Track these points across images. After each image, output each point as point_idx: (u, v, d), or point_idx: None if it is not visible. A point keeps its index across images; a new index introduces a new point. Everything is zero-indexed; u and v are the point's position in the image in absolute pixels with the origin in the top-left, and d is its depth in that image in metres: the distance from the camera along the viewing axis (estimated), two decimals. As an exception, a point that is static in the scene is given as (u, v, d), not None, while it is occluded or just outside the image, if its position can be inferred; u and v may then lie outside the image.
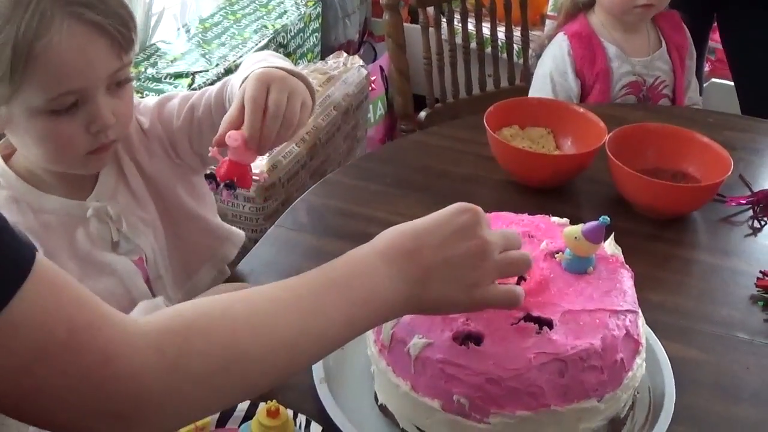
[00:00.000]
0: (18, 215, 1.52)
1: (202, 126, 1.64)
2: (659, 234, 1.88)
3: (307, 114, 1.46)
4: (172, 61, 3.33)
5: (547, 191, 1.98)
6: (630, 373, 1.31)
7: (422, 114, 3.00)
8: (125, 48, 1.45)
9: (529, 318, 1.29)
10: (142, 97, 1.78)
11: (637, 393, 1.39)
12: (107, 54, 1.42)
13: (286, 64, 1.49)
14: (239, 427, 1.31)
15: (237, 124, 1.38)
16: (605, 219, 1.35)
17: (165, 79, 3.21)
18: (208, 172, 1.40)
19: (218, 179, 1.37)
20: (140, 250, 1.63)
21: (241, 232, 1.84)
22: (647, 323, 1.42)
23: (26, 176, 1.55)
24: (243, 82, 1.43)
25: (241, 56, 3.38)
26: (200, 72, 3.23)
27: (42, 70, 1.37)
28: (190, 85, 3.09)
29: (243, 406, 1.35)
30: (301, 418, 1.34)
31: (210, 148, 1.41)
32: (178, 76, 3.21)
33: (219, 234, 1.81)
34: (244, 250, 1.81)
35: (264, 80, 1.39)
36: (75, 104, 1.42)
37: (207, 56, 3.38)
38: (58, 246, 1.54)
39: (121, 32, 1.42)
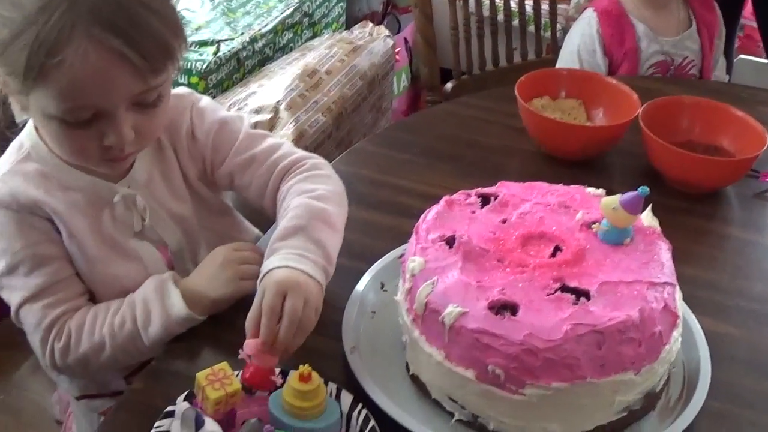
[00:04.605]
0: (45, 194, 1.49)
1: (252, 182, 1.62)
2: (693, 208, 1.86)
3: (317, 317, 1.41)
4: (196, 30, 3.30)
5: (578, 163, 1.96)
6: (667, 347, 1.29)
7: (448, 85, 2.97)
8: (153, 72, 1.37)
9: (565, 289, 1.27)
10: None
11: (673, 367, 1.37)
12: (129, 78, 1.35)
13: (318, 256, 1.43)
14: (269, 395, 1.29)
15: (258, 327, 1.33)
16: (644, 189, 1.33)
17: (190, 47, 3.18)
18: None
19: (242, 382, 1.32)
20: (164, 242, 1.61)
21: (256, 230, 1.83)
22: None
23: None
24: (263, 276, 1.39)
25: (266, 25, 3.35)
26: (225, 40, 3.21)
27: (54, 84, 1.32)
28: (215, 53, 3.06)
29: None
30: (332, 387, 1.32)
31: (240, 351, 1.33)
32: (203, 44, 3.18)
33: (244, 228, 1.80)
34: (271, 222, 1.79)
35: (281, 289, 1.34)
36: (91, 117, 1.37)
37: (232, 25, 3.35)
38: (83, 226, 1.51)
39: (149, 58, 1.35)
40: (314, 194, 1.52)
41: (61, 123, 1.38)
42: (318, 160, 1.64)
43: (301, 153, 1.65)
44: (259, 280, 1.40)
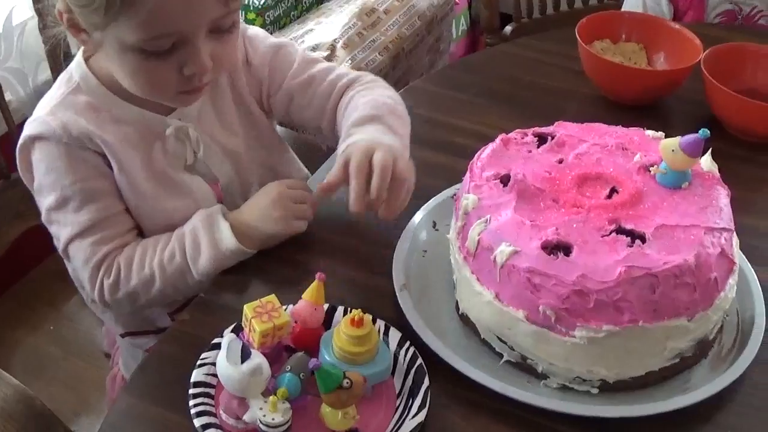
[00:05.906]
0: (95, 127, 1.47)
1: (312, 101, 1.64)
2: (753, 157, 1.82)
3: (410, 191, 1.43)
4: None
5: (636, 108, 1.93)
6: (722, 294, 1.27)
7: (507, 28, 2.93)
8: None
9: (621, 230, 1.25)
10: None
11: (726, 316, 1.35)
12: (212, 1, 1.35)
13: (395, 140, 1.46)
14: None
15: (339, 183, 1.35)
16: (705, 132, 1.30)
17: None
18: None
19: (293, 346, 1.29)
20: (215, 177, 1.60)
21: (306, 169, 1.81)
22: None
23: (108, 82, 1.49)
24: (346, 146, 1.41)
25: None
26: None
27: (138, 10, 1.30)
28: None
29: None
30: (380, 324, 1.31)
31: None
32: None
33: (296, 167, 1.79)
34: (323, 157, 1.78)
35: (369, 150, 1.36)
36: (171, 47, 1.36)
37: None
38: (134, 161, 1.50)
39: None
40: (382, 96, 1.57)
41: (140, 54, 1.36)
42: (376, 76, 1.68)
43: (358, 72, 1.69)
44: (338, 152, 1.43)
